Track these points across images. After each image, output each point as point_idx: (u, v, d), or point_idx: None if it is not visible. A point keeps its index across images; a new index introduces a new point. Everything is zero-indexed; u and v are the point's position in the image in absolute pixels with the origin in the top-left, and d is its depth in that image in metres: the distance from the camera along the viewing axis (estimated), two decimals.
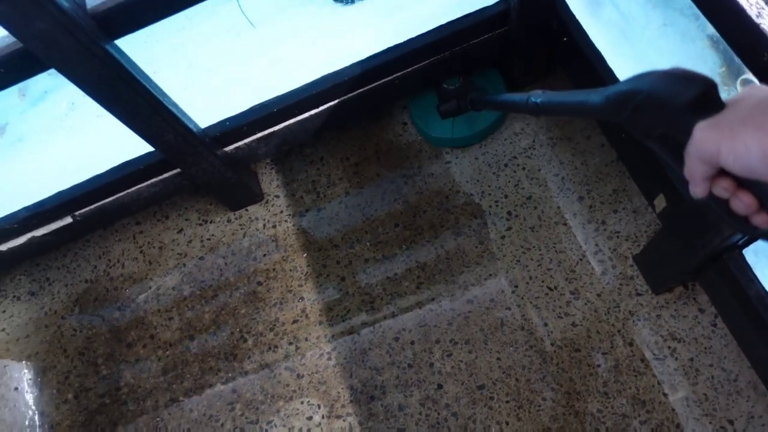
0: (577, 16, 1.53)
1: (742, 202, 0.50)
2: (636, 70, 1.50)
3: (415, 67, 1.63)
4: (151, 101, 1.29)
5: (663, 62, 1.47)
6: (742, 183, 0.50)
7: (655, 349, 1.51)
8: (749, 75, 1.40)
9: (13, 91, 1.87)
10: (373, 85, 1.64)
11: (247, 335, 1.72)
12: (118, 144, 1.62)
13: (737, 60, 1.41)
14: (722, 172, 0.50)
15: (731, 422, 1.41)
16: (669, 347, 1.51)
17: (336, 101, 1.63)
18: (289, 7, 1.72)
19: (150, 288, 1.83)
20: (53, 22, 1.01)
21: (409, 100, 1.86)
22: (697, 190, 0.53)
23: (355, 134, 1.91)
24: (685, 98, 0.52)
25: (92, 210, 1.66)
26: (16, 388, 1.79)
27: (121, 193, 1.65)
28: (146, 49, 1.41)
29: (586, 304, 1.59)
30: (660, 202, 1.45)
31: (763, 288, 1.20)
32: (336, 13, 1.69)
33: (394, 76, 1.64)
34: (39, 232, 1.66)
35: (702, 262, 1.26)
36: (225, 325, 1.74)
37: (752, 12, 0.86)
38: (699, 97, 0.51)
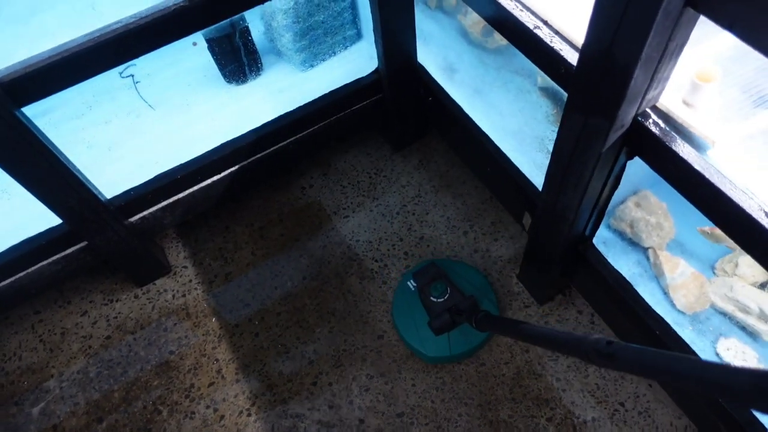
0: (438, 80, 1.84)
1: None
2: (491, 118, 1.79)
3: (306, 131, 1.84)
4: (57, 166, 1.36)
5: (509, 109, 1.80)
6: None
7: (548, 352, 1.68)
8: None
9: None
10: (269, 150, 1.81)
11: (161, 406, 1.67)
12: (17, 225, 1.63)
13: (562, 102, 1.77)
14: None
15: (622, 404, 1.58)
16: None
17: (236, 167, 1.78)
18: (185, 89, 1.90)
19: (52, 376, 1.74)
20: None
21: (394, 316, 1.72)
22: None
23: (257, 202, 2.05)
24: None
25: None
26: None
27: (20, 274, 1.62)
28: (46, 131, 1.48)
29: None
30: (527, 220, 1.70)
31: (616, 270, 1.43)
32: (230, 91, 1.89)
33: (288, 141, 1.83)
34: None
35: (564, 257, 1.48)
36: (137, 400, 1.69)
37: (547, 39, 1.16)
38: None
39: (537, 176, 1.61)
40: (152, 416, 1.66)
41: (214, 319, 1.81)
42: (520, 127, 1.78)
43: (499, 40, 1.86)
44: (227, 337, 1.78)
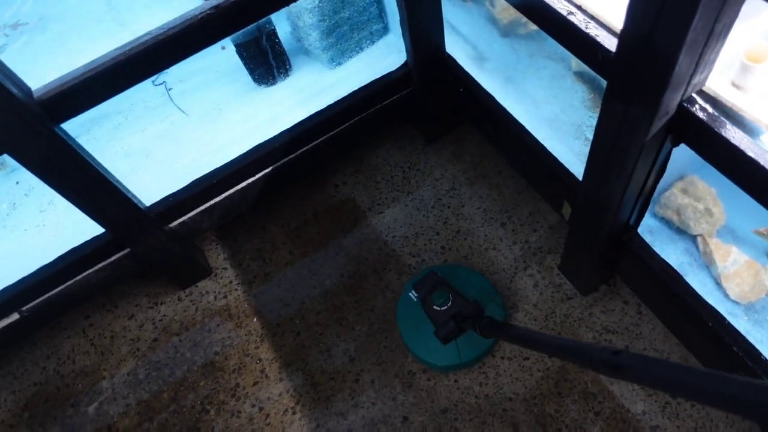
0: (468, 70, 1.80)
1: None
2: (525, 106, 1.75)
3: (338, 129, 1.83)
4: (98, 178, 1.39)
5: (544, 96, 1.75)
6: None
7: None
8: None
9: None
10: (301, 150, 1.81)
11: (208, 406, 1.71)
12: (63, 235, 1.69)
13: (599, 86, 1.70)
14: None
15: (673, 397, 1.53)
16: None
17: (270, 168, 1.79)
18: (216, 94, 1.91)
19: (104, 378, 1.81)
20: (4, 108, 1.13)
21: (400, 329, 1.71)
22: None
23: (293, 201, 2.06)
24: None
25: (40, 303, 1.67)
26: None
27: (69, 282, 1.68)
28: (85, 144, 1.52)
29: (525, 315, 1.72)
30: (566, 209, 1.65)
31: (663, 260, 1.37)
32: (260, 93, 1.89)
33: (320, 140, 1.83)
34: None
35: (608, 247, 1.43)
36: (185, 400, 1.73)
37: (582, 25, 1.11)
38: None
39: (576, 165, 1.56)
40: (200, 415, 1.70)
41: (255, 319, 1.84)
42: (555, 114, 1.72)
43: (530, 25, 1.80)
44: (269, 336, 1.80)
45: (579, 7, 1.14)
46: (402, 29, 1.67)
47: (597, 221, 1.34)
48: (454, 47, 1.84)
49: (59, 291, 1.68)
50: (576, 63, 1.74)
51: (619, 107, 1.01)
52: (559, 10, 1.14)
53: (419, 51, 1.70)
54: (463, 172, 2.02)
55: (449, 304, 1.59)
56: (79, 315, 1.93)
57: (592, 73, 1.69)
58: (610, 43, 1.07)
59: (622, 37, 0.91)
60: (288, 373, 1.72)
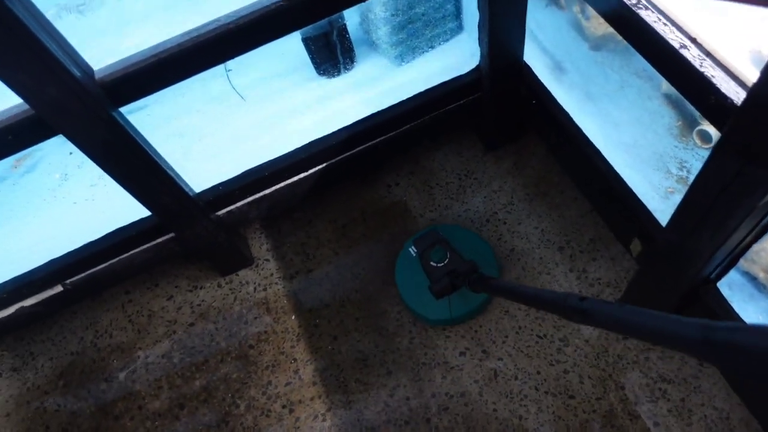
0: (544, 82, 1.68)
1: None
2: (602, 126, 1.62)
3: (397, 131, 1.74)
4: (151, 165, 1.35)
5: (625, 118, 1.62)
6: None
7: (647, 391, 1.53)
8: (704, 126, 1.54)
9: (6, 161, 1.91)
10: (357, 149, 1.74)
11: (239, 401, 1.69)
12: (111, 212, 1.67)
13: (690, 113, 1.56)
14: None
15: None
16: (660, 389, 1.53)
17: (323, 165, 1.72)
18: (277, 81, 1.85)
19: (138, 357, 1.80)
20: (65, 90, 1.09)
21: (397, 281, 1.75)
22: None
23: (342, 197, 1.99)
24: None
25: (83, 278, 1.67)
26: None
27: (114, 260, 1.67)
28: (140, 120, 1.48)
29: (575, 350, 1.62)
30: (636, 246, 1.53)
31: (741, 320, 1.25)
32: (321, 85, 1.81)
33: (378, 140, 1.74)
34: (28, 302, 1.65)
35: (681, 298, 1.32)
36: (216, 391, 1.71)
37: (696, 63, 0.98)
38: None
39: (653, 200, 1.44)
40: (230, 409, 1.68)
41: (293, 317, 1.79)
42: (636, 139, 1.59)
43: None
44: (306, 336, 1.76)
45: (694, 41, 1.01)
46: (480, 32, 1.56)
47: (676, 272, 1.22)
48: (531, 55, 1.71)
49: (103, 268, 1.67)
50: (667, 85, 1.60)
51: (732, 163, 0.89)
52: (671, 41, 1.02)
53: (495, 57, 1.59)
54: (523, 187, 1.91)
55: (446, 262, 1.63)
56: (120, 290, 1.93)
57: None
58: (728, 88, 0.95)
59: (758, 88, 0.78)
60: (322, 378, 1.68)
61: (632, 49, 1.68)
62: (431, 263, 1.64)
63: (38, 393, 1.80)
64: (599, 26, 1.67)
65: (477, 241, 1.77)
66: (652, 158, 1.54)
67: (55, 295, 1.67)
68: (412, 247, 1.75)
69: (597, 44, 1.71)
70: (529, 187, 1.91)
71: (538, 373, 1.60)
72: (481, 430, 1.54)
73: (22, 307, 1.65)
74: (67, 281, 1.66)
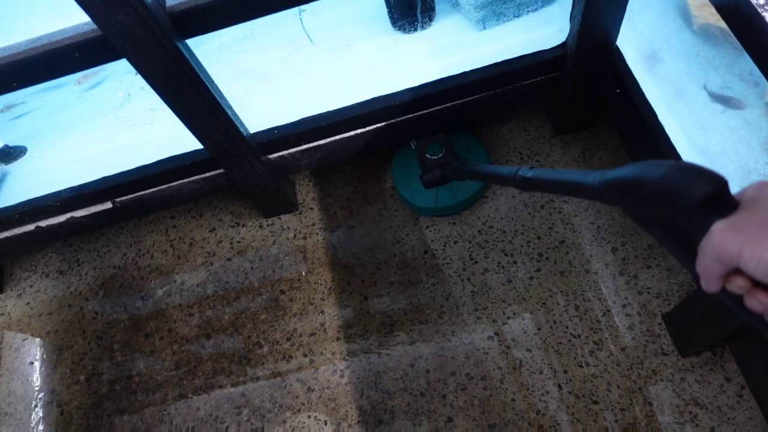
0: (633, 70, 1.54)
1: (759, 302, 0.50)
2: (689, 130, 1.49)
3: (465, 100, 1.65)
4: (210, 101, 1.32)
5: (716, 125, 1.48)
6: (759, 283, 0.50)
7: (676, 412, 1.47)
8: None
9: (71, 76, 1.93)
10: (421, 112, 1.66)
11: (263, 341, 1.72)
12: (167, 139, 1.67)
13: None
14: (737, 270, 0.50)
15: None
16: (690, 413, 1.47)
17: (383, 124, 1.66)
18: (349, 29, 1.77)
19: (175, 282, 1.85)
20: (134, 16, 1.06)
21: (392, 168, 1.86)
22: (710, 286, 0.53)
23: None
24: (698, 195, 0.49)
25: (132, 199, 1.70)
26: (32, 363, 1.81)
27: (163, 186, 1.68)
28: (208, 50, 1.46)
29: (609, 356, 1.56)
30: None
31: None
32: (395, 39, 1.72)
33: (443, 106, 1.66)
34: (78, 213, 1.70)
35: (735, 329, 1.24)
36: (243, 328, 1.75)
37: None
38: (712, 195, 0.49)
39: None
40: (253, 348, 1.72)
41: (328, 270, 1.79)
42: (724, 149, 1.45)
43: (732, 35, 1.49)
44: (337, 291, 1.76)
45: None
46: (573, 6, 1.43)
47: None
48: (625, 39, 1.57)
49: (152, 192, 1.69)
50: None
51: None
52: None
53: (586, 36, 1.46)
54: None
55: (440, 155, 1.70)
56: (165, 214, 1.97)
57: None
58: None
59: None
60: (346, 335, 1.69)
61: (741, 49, 1.52)
62: (426, 155, 1.72)
63: (79, 298, 1.88)
64: (709, 17, 1.50)
65: (476, 146, 1.86)
66: (736, 172, 1.41)
67: (104, 210, 1.72)
68: (414, 142, 1.83)
69: (702, 37, 1.55)
70: None
71: (565, 371, 1.56)
72: (496, 416, 1.53)
73: (73, 217, 1.70)
74: (117, 200, 1.69)
